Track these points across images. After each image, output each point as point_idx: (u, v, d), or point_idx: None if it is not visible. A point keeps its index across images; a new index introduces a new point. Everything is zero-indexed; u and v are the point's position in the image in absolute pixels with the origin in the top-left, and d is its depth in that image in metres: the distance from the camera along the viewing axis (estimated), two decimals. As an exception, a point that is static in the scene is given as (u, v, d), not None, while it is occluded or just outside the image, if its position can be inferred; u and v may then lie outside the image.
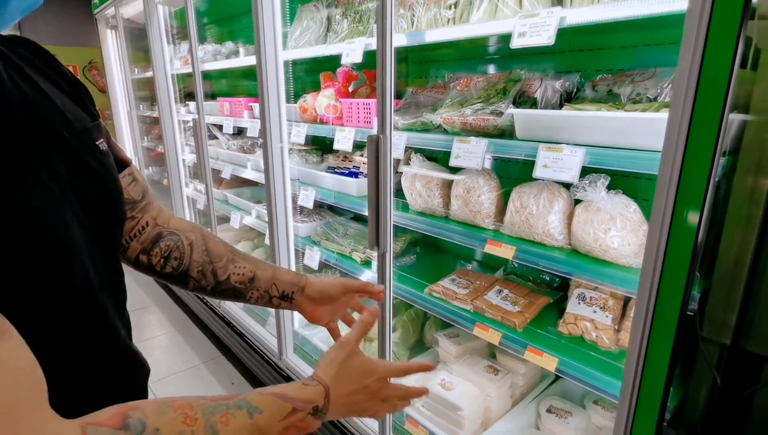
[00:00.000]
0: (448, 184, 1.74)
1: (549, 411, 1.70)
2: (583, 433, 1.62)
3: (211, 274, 0.84)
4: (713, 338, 1.70)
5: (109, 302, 0.62)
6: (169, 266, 0.81)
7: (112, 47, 4.90)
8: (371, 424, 1.80)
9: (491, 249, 1.48)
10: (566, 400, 1.75)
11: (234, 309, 2.75)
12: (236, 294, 0.86)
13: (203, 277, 0.83)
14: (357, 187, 2.06)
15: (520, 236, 1.49)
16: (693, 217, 0.88)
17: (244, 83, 3.64)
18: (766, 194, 1.36)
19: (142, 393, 0.74)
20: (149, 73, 3.59)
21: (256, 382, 2.64)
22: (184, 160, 3.60)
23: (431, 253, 2.29)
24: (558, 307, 1.68)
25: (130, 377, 0.70)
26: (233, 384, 2.69)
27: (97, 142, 0.64)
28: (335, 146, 1.97)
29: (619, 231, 1.22)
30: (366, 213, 1.68)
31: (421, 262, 2.14)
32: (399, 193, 1.94)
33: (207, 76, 3.94)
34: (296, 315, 2.36)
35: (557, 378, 1.93)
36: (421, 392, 0.79)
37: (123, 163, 0.76)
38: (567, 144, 1.24)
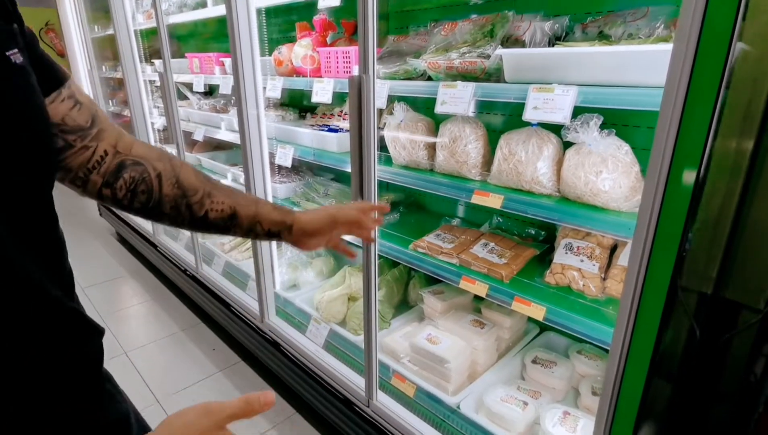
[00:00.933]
0: (433, 135, 1.68)
1: (534, 362, 1.71)
2: (567, 381, 1.64)
3: (186, 209, 0.76)
4: (692, 287, 1.72)
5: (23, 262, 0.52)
6: (137, 201, 0.73)
7: (69, 5, 4.56)
8: (357, 380, 1.78)
9: (478, 199, 1.44)
10: (551, 351, 1.76)
11: (212, 275, 2.67)
12: (218, 230, 0.80)
13: (178, 212, 0.75)
14: (338, 143, 1.98)
15: (508, 186, 1.45)
16: (695, 153, 0.85)
17: (214, 45, 3.44)
18: (755, 137, 1.35)
19: (96, 355, 0.65)
20: (110, 31, 3.36)
21: (237, 346, 2.60)
22: (152, 124, 3.42)
23: (414, 211, 2.24)
24: (544, 260, 1.66)
25: (73, 340, 0.61)
26: (213, 350, 2.64)
27: (7, 53, 0.51)
28: (313, 99, 1.87)
29: (611, 173, 1.19)
30: (348, 169, 1.60)
31: (405, 221, 2.09)
32: (382, 148, 1.87)
33: (175, 36, 3.71)
34: (277, 277, 2.30)
35: (542, 331, 1.94)
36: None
37: (57, 81, 0.64)
38: (558, 84, 1.18)
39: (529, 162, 1.36)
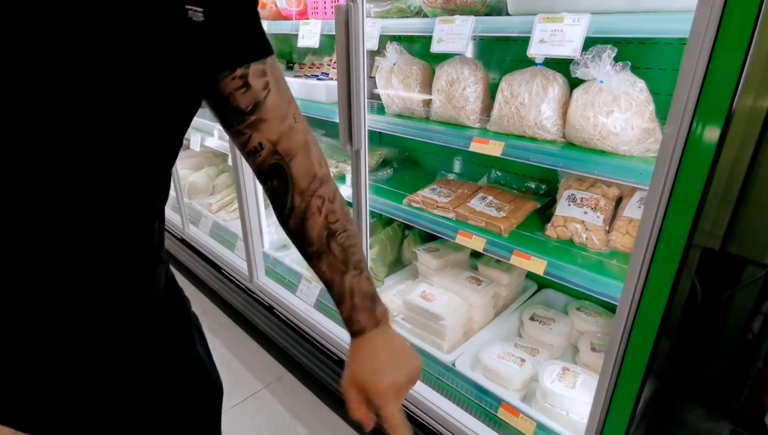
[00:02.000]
0: (429, 80, 1.55)
1: (532, 319, 1.65)
2: (565, 338, 1.59)
3: (300, 249, 0.72)
4: (697, 243, 1.66)
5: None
6: (274, 208, 0.71)
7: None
8: (340, 333, 1.72)
9: (477, 147, 1.34)
10: (549, 308, 1.71)
11: (200, 236, 2.58)
12: None
13: (295, 242, 0.72)
14: (326, 92, 1.85)
15: (509, 132, 1.35)
16: (729, 81, 0.75)
17: None
18: None
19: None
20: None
21: (227, 307, 2.54)
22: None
23: (409, 168, 2.14)
24: (545, 214, 1.58)
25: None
26: (203, 312, 2.58)
27: (187, 5, 0.50)
28: (300, 43, 1.73)
29: (623, 113, 1.09)
30: (338, 120, 1.49)
31: (398, 177, 1.99)
32: (374, 97, 1.75)
33: None
34: (266, 236, 2.21)
35: (540, 288, 1.88)
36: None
37: (247, 55, 0.60)
38: (568, 13, 1.06)
39: (532, 105, 1.25)
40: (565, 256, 1.34)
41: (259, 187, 2.18)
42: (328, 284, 0.69)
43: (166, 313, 0.72)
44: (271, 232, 2.28)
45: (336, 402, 1.90)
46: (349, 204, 1.73)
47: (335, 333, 1.78)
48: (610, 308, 1.70)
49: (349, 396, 0.65)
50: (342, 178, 1.93)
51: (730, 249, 1.60)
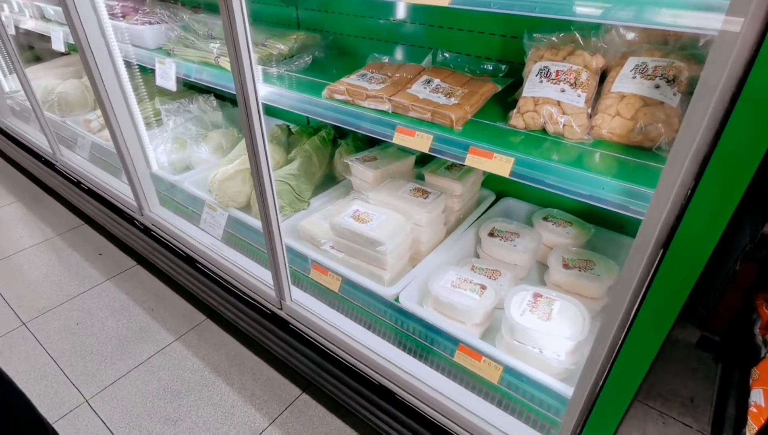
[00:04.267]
0: None
1: (491, 235, 1.35)
2: (531, 255, 1.30)
3: None
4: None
5: None
6: None
7: None
8: (268, 278, 1.36)
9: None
10: (511, 221, 1.41)
11: (77, 161, 2.04)
12: None
13: None
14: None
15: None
16: None
17: None
18: None
19: None
20: None
21: (124, 248, 2.09)
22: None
23: (334, 56, 1.66)
24: (508, 100, 1.20)
25: None
26: (100, 255, 2.12)
27: None
28: None
29: None
30: None
31: (320, 67, 1.52)
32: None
33: None
34: (154, 155, 1.72)
35: (498, 198, 1.57)
36: None
37: None
38: None
39: None
40: (537, 150, 1.00)
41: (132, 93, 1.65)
42: None
43: None
44: (167, 151, 1.79)
45: (261, 351, 1.58)
46: (230, 95, 1.27)
47: (252, 272, 1.41)
48: (583, 215, 1.42)
49: None
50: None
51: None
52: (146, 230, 1.75)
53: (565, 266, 1.21)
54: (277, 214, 1.17)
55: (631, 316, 0.66)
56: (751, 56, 0.48)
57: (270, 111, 2.15)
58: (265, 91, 1.25)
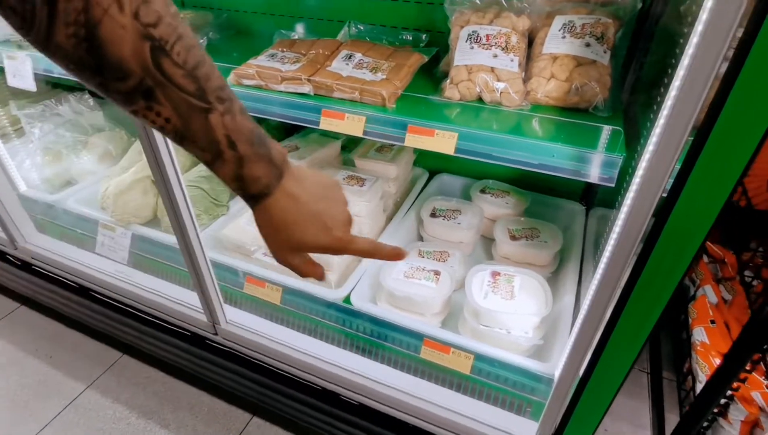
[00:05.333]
0: None
1: (433, 215, 1.29)
2: (476, 231, 1.26)
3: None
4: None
5: None
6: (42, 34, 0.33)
7: None
8: (192, 300, 1.17)
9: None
10: (449, 198, 1.36)
11: None
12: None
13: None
14: None
15: None
16: None
17: None
18: None
19: None
20: None
21: (1, 290, 1.73)
22: None
23: (231, 37, 1.46)
24: (434, 72, 1.13)
25: None
26: (-31, 302, 1.73)
27: None
28: None
29: None
30: None
31: (217, 51, 1.32)
32: None
33: None
34: (18, 173, 1.41)
35: (432, 176, 1.51)
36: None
37: None
38: None
39: None
40: (478, 122, 0.94)
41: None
42: (184, 137, 0.41)
43: None
44: (37, 164, 1.47)
45: (196, 380, 1.39)
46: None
47: (171, 296, 1.21)
48: (516, 183, 1.41)
49: (294, 265, 0.50)
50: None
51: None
52: (25, 265, 1.44)
53: (512, 238, 1.19)
54: (195, 226, 1.00)
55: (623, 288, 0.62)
56: None
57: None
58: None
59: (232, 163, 0.43)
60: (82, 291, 1.38)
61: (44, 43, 0.33)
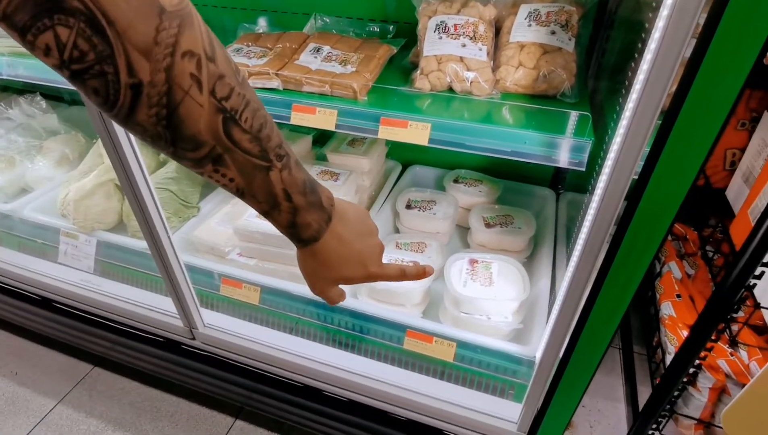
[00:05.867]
0: None
1: (409, 207, 1.29)
2: (452, 220, 1.28)
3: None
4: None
5: None
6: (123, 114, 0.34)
7: None
8: (167, 306, 1.14)
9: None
10: (424, 189, 1.36)
11: None
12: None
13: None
14: None
15: None
16: None
17: None
18: None
19: None
20: None
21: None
22: None
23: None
24: (402, 64, 1.12)
25: None
26: None
27: None
28: None
29: None
30: None
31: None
32: None
33: None
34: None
35: (405, 168, 1.51)
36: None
37: None
38: None
39: None
40: (450, 112, 0.95)
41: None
42: (244, 193, 0.43)
43: None
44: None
45: (175, 387, 1.36)
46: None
47: (142, 302, 1.17)
48: (487, 171, 1.43)
49: (330, 296, 0.56)
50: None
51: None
52: (-18, 279, 1.36)
53: (488, 225, 1.21)
54: (167, 229, 0.96)
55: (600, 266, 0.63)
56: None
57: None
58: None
59: (287, 213, 0.46)
60: (46, 303, 1.31)
61: (124, 120, 0.34)
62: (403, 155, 1.53)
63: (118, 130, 0.86)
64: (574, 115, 0.87)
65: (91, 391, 1.42)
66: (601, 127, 0.87)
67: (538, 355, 0.81)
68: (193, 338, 1.10)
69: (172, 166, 1.33)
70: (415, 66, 1.05)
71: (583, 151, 0.82)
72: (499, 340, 0.93)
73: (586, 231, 0.66)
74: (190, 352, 1.13)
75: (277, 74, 1.00)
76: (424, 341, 0.94)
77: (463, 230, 1.37)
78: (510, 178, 1.43)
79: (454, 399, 0.93)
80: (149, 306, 1.14)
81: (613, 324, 0.62)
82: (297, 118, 0.98)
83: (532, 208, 1.33)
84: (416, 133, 0.91)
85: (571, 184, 1.40)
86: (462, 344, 0.92)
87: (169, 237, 0.96)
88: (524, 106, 0.94)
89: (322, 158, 1.39)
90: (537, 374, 0.78)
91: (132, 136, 0.90)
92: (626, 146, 0.57)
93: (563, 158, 0.84)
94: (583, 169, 0.83)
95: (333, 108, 0.94)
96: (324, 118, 0.96)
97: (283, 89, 1.01)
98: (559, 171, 1.41)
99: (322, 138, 1.49)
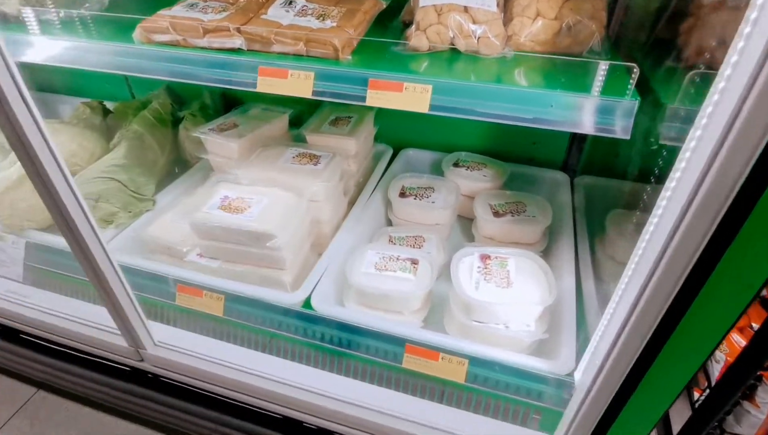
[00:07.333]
0: None
1: (403, 195, 1.10)
2: (453, 209, 1.09)
3: None
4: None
5: None
6: None
7: None
8: (106, 319, 0.93)
9: None
10: (420, 175, 1.18)
11: None
12: None
13: None
14: None
15: None
16: None
17: None
18: None
19: None
20: None
21: None
22: None
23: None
24: (395, 22, 0.93)
25: None
26: None
27: None
28: None
29: None
30: None
31: (125, 6, 1.06)
32: None
33: None
34: None
35: (397, 152, 1.32)
36: None
37: None
38: None
39: None
40: (453, 72, 0.77)
41: None
42: None
43: None
44: None
45: (129, 413, 1.15)
46: None
47: (81, 317, 0.96)
48: (491, 154, 1.25)
49: None
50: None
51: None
52: None
53: (496, 214, 1.03)
54: (93, 228, 0.76)
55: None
56: None
57: (74, 85, 1.58)
58: (46, 47, 0.81)
59: None
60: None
61: None
62: (395, 137, 1.34)
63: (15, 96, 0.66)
64: (605, 70, 0.67)
65: (33, 419, 1.20)
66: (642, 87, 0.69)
67: (578, 376, 0.64)
68: (141, 360, 0.89)
69: (121, 151, 1.12)
70: (408, 25, 0.86)
71: (629, 114, 0.64)
72: (521, 353, 0.75)
73: (672, 229, 0.47)
74: (138, 375, 0.93)
75: (239, 30, 0.80)
76: (427, 358, 0.76)
77: (465, 221, 1.19)
78: (516, 161, 1.25)
79: (466, 431, 0.75)
80: (88, 321, 0.93)
81: (709, 344, 0.44)
82: (265, 85, 0.78)
83: (544, 194, 1.15)
84: (414, 97, 0.73)
85: (588, 165, 1.22)
86: (475, 361, 0.74)
87: (94, 231, 0.76)
88: (548, 57, 0.77)
89: (300, 140, 1.20)
90: (583, 400, 0.60)
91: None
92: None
93: (601, 124, 0.66)
94: (627, 138, 0.65)
95: (309, 70, 0.76)
96: (298, 83, 0.77)
97: (248, 50, 0.81)
98: (571, 151, 1.23)
99: (300, 117, 1.29)
